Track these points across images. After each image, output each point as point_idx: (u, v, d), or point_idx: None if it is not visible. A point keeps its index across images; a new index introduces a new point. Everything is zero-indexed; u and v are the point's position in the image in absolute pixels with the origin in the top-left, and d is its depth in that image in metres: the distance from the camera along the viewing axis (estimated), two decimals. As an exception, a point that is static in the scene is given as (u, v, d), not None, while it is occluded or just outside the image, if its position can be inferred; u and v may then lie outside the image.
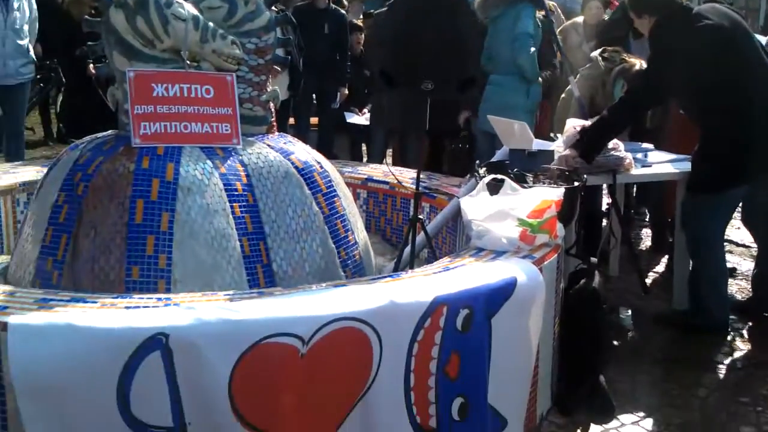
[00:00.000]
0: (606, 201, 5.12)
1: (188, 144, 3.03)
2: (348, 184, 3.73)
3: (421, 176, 3.42)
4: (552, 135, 4.86)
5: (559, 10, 6.27)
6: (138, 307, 2.22)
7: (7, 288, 2.47)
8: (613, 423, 2.95)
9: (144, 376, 2.03)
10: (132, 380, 2.02)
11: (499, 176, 3.10)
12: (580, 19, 5.96)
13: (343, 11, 6.55)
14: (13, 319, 2.06)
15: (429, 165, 5.44)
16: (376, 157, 5.86)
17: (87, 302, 2.25)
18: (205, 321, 2.10)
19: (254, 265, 2.96)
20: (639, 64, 4.41)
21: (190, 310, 2.15)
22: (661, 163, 4.13)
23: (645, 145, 4.42)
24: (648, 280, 4.44)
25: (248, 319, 2.14)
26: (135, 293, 2.55)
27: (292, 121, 6.25)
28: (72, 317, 2.08)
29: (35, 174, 3.95)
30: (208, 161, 3.00)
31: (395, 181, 4.11)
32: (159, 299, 2.31)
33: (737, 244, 5.18)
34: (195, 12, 3.08)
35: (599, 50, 4.71)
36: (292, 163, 3.17)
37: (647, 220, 5.65)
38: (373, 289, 2.41)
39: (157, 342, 2.04)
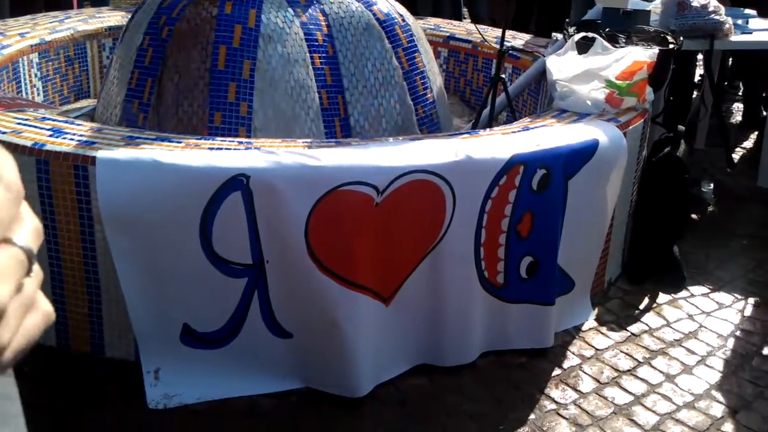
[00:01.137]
0: (699, 71, 4.87)
1: (270, -10, 2.99)
2: (429, 42, 3.63)
3: (507, 36, 3.29)
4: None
5: None
6: (221, 148, 2.27)
7: (95, 125, 2.56)
8: (683, 293, 2.93)
9: (225, 214, 2.11)
10: (214, 218, 2.10)
11: (590, 35, 2.96)
12: None
13: None
14: (101, 154, 2.15)
15: (515, 25, 5.24)
16: (444, 9, 5.64)
17: (172, 141, 2.32)
18: (285, 165, 2.15)
19: (332, 118, 2.97)
20: None
21: (270, 154, 2.19)
22: (764, 31, 3.86)
23: (747, 11, 4.12)
24: (735, 156, 4.28)
25: (326, 166, 2.16)
26: (217, 137, 2.60)
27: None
28: (157, 154, 2.15)
29: (121, 19, 3.99)
30: (290, 9, 2.96)
31: (478, 40, 3.99)
32: (240, 143, 2.36)
33: None
34: None
35: None
36: (374, 15, 3.10)
37: (741, 93, 5.36)
38: (450, 143, 2.40)
39: (239, 183, 2.10)
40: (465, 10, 6.07)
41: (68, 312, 2.34)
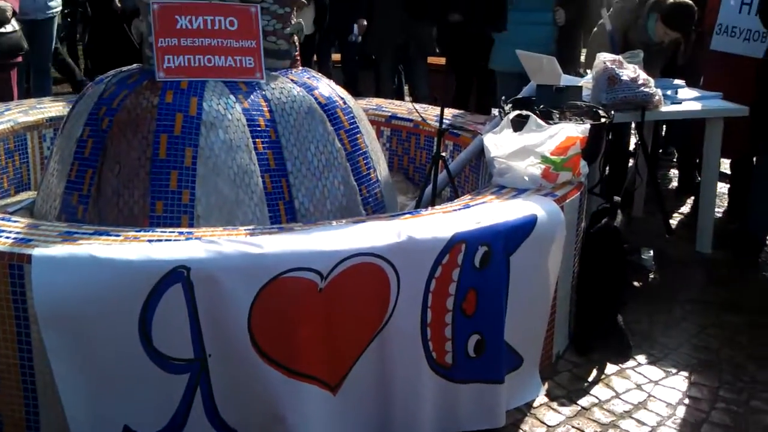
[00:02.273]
0: (634, 140, 5.03)
1: (212, 78, 3.03)
2: (372, 122, 3.70)
3: (447, 114, 3.37)
4: (582, 71, 4.75)
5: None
6: (160, 240, 2.25)
7: (32, 221, 2.51)
8: (630, 363, 2.96)
9: (165, 308, 2.07)
10: (153, 313, 2.07)
11: (524, 112, 3.06)
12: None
13: None
14: (37, 252, 2.11)
15: (456, 102, 5.38)
16: (386, 89, 5.79)
17: (110, 235, 2.28)
18: (226, 254, 2.13)
19: (276, 202, 2.98)
20: (675, -4, 4.24)
21: (211, 244, 2.18)
22: (692, 101, 4.04)
23: (676, 81, 4.32)
24: (672, 222, 4.40)
25: (268, 253, 2.16)
26: (158, 228, 2.58)
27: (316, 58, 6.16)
28: (94, 250, 2.11)
29: (62, 109, 3.98)
30: (231, 96, 3.00)
31: (419, 119, 4.08)
32: (181, 233, 2.34)
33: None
34: (218, -58, 3.03)
35: (634, -19, 4.53)
36: (315, 99, 3.16)
37: (675, 160, 5.55)
38: (392, 225, 2.41)
39: (179, 275, 2.07)
40: (406, 88, 6.23)
41: (4, 416, 2.24)
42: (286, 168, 3.02)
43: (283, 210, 2.99)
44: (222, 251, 2.15)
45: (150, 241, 2.24)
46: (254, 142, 2.97)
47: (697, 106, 3.98)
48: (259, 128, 3.00)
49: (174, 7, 3.01)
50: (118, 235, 2.28)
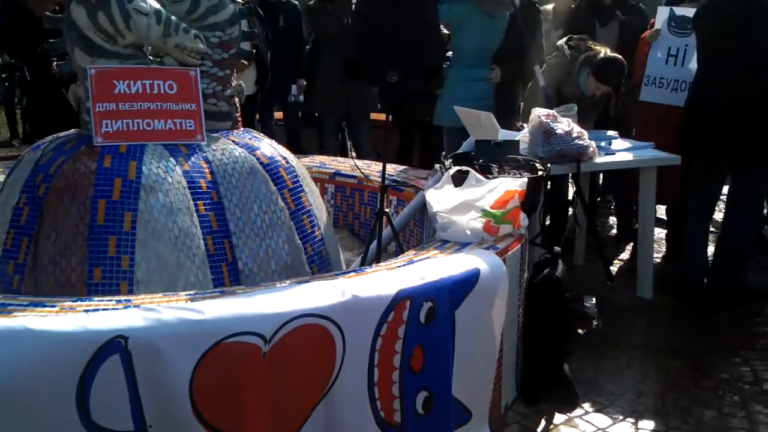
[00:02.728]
0: (572, 189, 5.16)
1: (151, 141, 3.01)
2: (316, 179, 3.73)
3: (390, 169, 3.42)
4: (519, 125, 4.87)
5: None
6: (98, 309, 2.20)
7: (-35, 293, 2.44)
8: (577, 411, 2.98)
9: (103, 380, 2.01)
10: (91, 385, 2.00)
11: (464, 168, 3.11)
12: (550, 6, 5.91)
13: (296, 2, 6.43)
14: (-32, 326, 2.04)
15: (399, 157, 5.46)
16: (330, 146, 5.86)
17: (46, 306, 2.22)
18: (165, 322, 2.09)
19: (219, 264, 2.95)
20: (604, 51, 4.42)
21: (150, 312, 2.13)
22: (625, 151, 4.17)
23: (610, 132, 4.46)
24: (613, 268, 4.49)
25: (209, 319, 2.12)
26: (96, 296, 2.52)
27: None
28: (29, 322, 2.05)
29: (-2, 176, 3.90)
30: (172, 159, 2.98)
31: (362, 175, 4.12)
32: (119, 301, 2.29)
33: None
34: (157, 6, 3.04)
35: (565, 38, 4.71)
36: (258, 159, 3.16)
37: (613, 207, 5.69)
38: (336, 284, 2.41)
39: (116, 345, 2.02)
40: (350, 143, 6.29)
41: (-69, 502, 2.13)
42: (228, 229, 3.00)
43: (226, 272, 2.96)
44: (161, 318, 2.10)
45: (86, 311, 2.18)
46: (195, 204, 2.94)
47: (629, 156, 4.11)
48: (200, 190, 2.98)
49: (112, 72, 3.00)
50: (54, 306, 2.22)
